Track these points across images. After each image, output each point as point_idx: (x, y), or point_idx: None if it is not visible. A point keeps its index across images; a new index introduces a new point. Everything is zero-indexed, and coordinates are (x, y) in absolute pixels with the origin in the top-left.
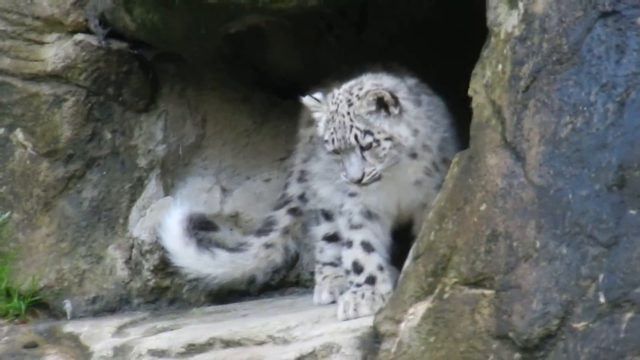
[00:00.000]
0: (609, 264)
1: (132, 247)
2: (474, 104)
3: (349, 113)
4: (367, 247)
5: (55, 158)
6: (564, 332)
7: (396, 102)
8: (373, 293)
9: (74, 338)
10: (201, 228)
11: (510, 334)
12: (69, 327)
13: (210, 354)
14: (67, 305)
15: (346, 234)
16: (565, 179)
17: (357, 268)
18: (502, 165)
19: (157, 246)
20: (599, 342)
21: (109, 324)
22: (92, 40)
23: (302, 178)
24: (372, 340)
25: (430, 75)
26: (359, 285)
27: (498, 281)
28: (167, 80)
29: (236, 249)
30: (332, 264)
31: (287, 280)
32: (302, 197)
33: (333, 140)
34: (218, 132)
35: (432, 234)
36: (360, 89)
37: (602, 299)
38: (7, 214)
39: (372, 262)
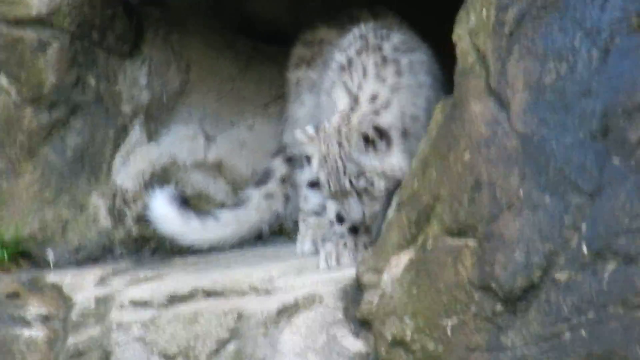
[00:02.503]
0: (592, 213)
1: (115, 195)
2: (457, 50)
3: (339, 156)
4: None
5: (39, 104)
6: (547, 283)
7: (381, 135)
8: (355, 243)
9: (56, 288)
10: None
11: (493, 285)
12: (52, 277)
13: (192, 304)
14: (50, 255)
15: None
16: (549, 127)
17: (341, 217)
18: (486, 112)
19: (141, 195)
20: (581, 293)
21: (92, 274)
22: None
23: (294, 127)
24: (355, 291)
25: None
26: (342, 236)
27: (481, 231)
28: (151, 25)
29: (237, 204)
30: (316, 213)
31: (270, 229)
32: (294, 145)
33: (329, 184)
34: (202, 78)
35: (415, 183)
36: (348, 127)
37: (585, 249)
38: None
39: None
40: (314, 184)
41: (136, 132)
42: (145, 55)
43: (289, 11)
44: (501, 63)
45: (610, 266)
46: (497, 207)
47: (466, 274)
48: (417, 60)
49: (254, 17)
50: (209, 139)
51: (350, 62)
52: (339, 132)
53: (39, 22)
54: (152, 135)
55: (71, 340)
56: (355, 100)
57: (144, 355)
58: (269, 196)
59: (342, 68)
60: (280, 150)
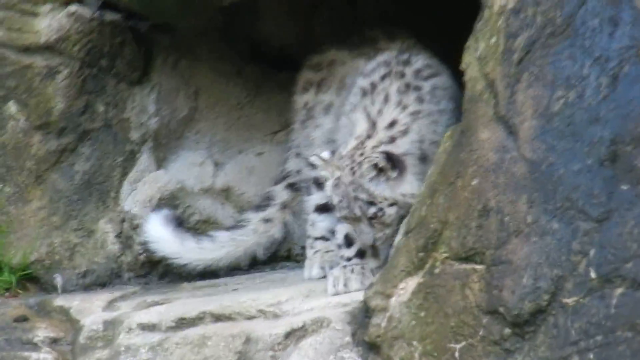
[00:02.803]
0: (600, 239)
1: (123, 220)
2: (466, 77)
3: (352, 182)
4: None
5: (47, 131)
6: (555, 308)
7: (394, 165)
8: (363, 267)
9: (64, 312)
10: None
11: (501, 309)
12: (60, 301)
13: (201, 328)
14: (58, 279)
15: None
16: (557, 154)
17: (349, 241)
18: (495, 139)
19: None
20: (589, 317)
21: (100, 298)
22: (86, 11)
23: (300, 154)
24: (363, 315)
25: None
26: (349, 259)
27: (489, 256)
28: (161, 52)
29: (235, 226)
30: (324, 238)
31: (278, 254)
32: (300, 172)
33: (341, 208)
34: (211, 105)
35: (423, 209)
36: (362, 154)
37: (593, 274)
38: None
39: None
40: (322, 209)
41: (144, 159)
42: (154, 82)
43: (298, 37)
44: (510, 90)
45: (618, 291)
46: (505, 233)
47: (474, 298)
48: (440, 85)
49: (263, 44)
50: (217, 165)
51: (373, 87)
52: (352, 158)
53: (48, 49)
54: (160, 162)
55: None
56: (373, 126)
57: None
58: (267, 221)
59: (364, 92)
60: (284, 177)
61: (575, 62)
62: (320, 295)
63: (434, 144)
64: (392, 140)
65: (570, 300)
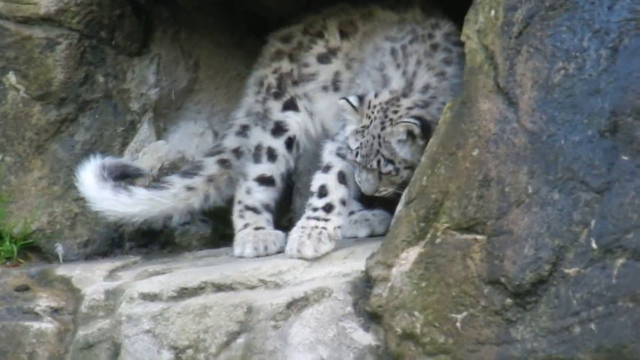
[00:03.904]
0: (601, 210)
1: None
2: (466, 49)
3: (379, 136)
4: (342, 177)
5: (47, 101)
6: (556, 278)
7: (424, 134)
8: (320, 232)
9: (65, 281)
10: (121, 177)
11: (502, 279)
12: (61, 271)
13: (202, 297)
14: (59, 249)
15: (328, 158)
16: (557, 125)
17: (322, 192)
18: (495, 110)
19: None
20: (590, 288)
21: (101, 268)
22: None
23: (241, 132)
24: (364, 285)
25: None
26: (315, 209)
27: (490, 226)
28: (160, 24)
29: (156, 186)
30: (255, 210)
31: (279, 224)
32: (236, 151)
33: (357, 154)
34: (211, 77)
35: (424, 179)
36: (396, 112)
37: (594, 245)
38: None
39: (339, 192)
40: (265, 181)
41: (145, 129)
42: (154, 53)
43: (298, 9)
44: (510, 62)
45: (620, 261)
46: (506, 203)
47: (475, 268)
48: None
49: (263, 16)
50: (217, 136)
51: (403, 49)
52: (385, 112)
53: (48, 20)
54: (160, 132)
55: (81, 332)
56: (410, 86)
57: (154, 348)
58: (190, 189)
59: (394, 52)
60: (218, 151)
61: (575, 34)
62: (322, 265)
63: None
64: (425, 105)
65: (571, 271)
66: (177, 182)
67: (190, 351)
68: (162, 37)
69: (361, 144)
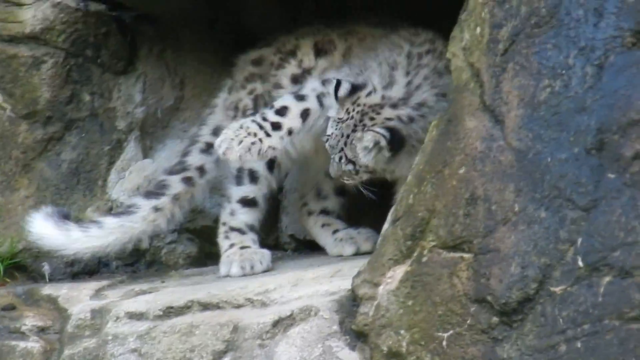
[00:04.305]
0: (588, 228)
1: (110, 209)
2: (452, 67)
3: (347, 136)
4: (305, 114)
5: (34, 120)
6: (542, 296)
7: (393, 147)
8: (253, 143)
9: (52, 300)
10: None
11: (489, 298)
12: (47, 290)
13: (189, 316)
14: (46, 268)
15: (306, 91)
16: (544, 142)
17: (281, 111)
18: (481, 128)
19: None
20: (577, 306)
21: (87, 287)
22: (70, 2)
23: (206, 150)
24: (351, 304)
25: None
26: (264, 119)
27: (477, 245)
28: (146, 42)
29: (124, 212)
30: (240, 231)
31: (265, 243)
32: (200, 169)
33: (327, 140)
34: (197, 95)
35: (410, 197)
36: (372, 119)
37: (580, 263)
38: None
39: (295, 122)
40: (247, 203)
41: (131, 148)
42: (140, 71)
43: (284, 27)
44: (495, 80)
45: (606, 279)
46: (493, 222)
47: (462, 287)
48: None
49: (249, 34)
50: None
51: (419, 57)
52: (362, 115)
53: (33, 39)
54: (147, 151)
55: (67, 352)
56: (405, 99)
57: None
58: (157, 210)
59: (410, 56)
60: (182, 169)
61: (561, 51)
62: (309, 284)
63: None
64: (410, 121)
65: (558, 289)
66: (144, 204)
67: None
68: (148, 55)
69: (332, 134)
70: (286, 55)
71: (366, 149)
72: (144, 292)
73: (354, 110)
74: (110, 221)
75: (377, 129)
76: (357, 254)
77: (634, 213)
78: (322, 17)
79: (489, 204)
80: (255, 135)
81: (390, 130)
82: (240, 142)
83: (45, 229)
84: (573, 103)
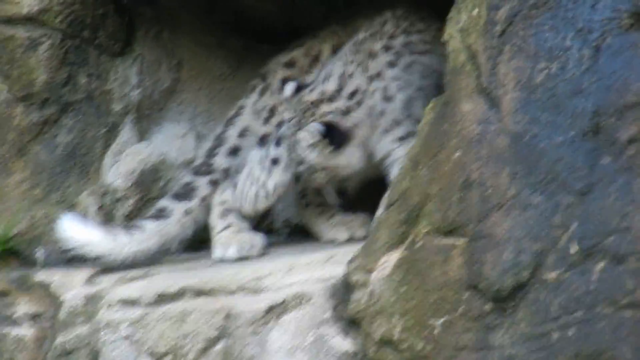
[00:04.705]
0: (582, 213)
1: (105, 193)
2: (449, 49)
3: (291, 136)
4: None
5: (30, 102)
6: (536, 283)
7: (332, 140)
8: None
9: (45, 287)
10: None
11: (482, 285)
12: (41, 276)
13: (181, 303)
14: (39, 253)
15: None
16: (540, 126)
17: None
18: (477, 111)
19: (130, 193)
20: (570, 293)
21: (81, 273)
22: None
23: (232, 152)
24: (344, 290)
25: None
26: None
27: (470, 230)
28: (143, 24)
29: (159, 215)
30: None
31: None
32: (226, 172)
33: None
34: (193, 77)
35: (405, 182)
36: (312, 115)
37: (574, 249)
38: None
39: None
40: None
41: (127, 131)
42: (137, 53)
43: (281, 10)
44: (492, 62)
45: (600, 266)
46: (487, 207)
47: (455, 273)
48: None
49: (246, 16)
50: (199, 137)
51: (361, 43)
52: (304, 112)
53: (30, 20)
54: (143, 134)
55: (59, 339)
56: (339, 90)
57: (132, 354)
58: (188, 212)
59: (353, 45)
60: (209, 172)
61: (558, 33)
62: (301, 271)
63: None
64: (347, 111)
65: (551, 276)
66: (176, 207)
67: (168, 357)
68: (145, 37)
69: (285, 136)
70: (312, 60)
71: (306, 147)
72: (136, 278)
73: (298, 108)
74: (149, 225)
75: (312, 125)
76: (351, 239)
77: (629, 198)
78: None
79: (484, 189)
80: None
81: (327, 124)
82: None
83: (91, 235)
84: (569, 85)
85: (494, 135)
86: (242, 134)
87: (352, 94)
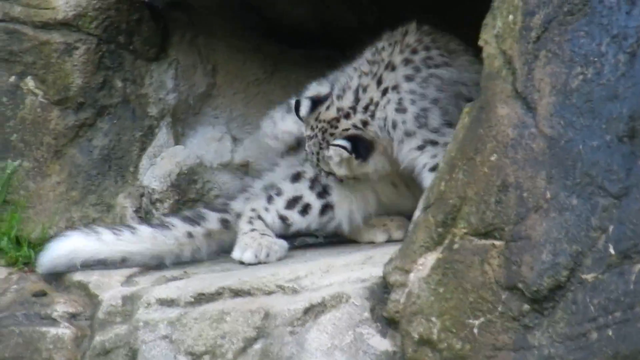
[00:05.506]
0: (619, 215)
1: (142, 195)
2: (484, 54)
3: (317, 153)
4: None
5: (65, 106)
6: (573, 284)
7: (358, 154)
8: (260, 239)
9: (83, 287)
10: None
11: (520, 285)
12: (78, 276)
13: (219, 303)
14: None
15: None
16: (576, 130)
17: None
18: (513, 115)
19: (167, 195)
20: (608, 294)
21: (118, 273)
22: None
23: (269, 209)
24: (382, 291)
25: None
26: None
27: (508, 232)
28: (178, 29)
29: (160, 224)
30: (265, 224)
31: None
32: (239, 216)
33: (306, 157)
34: (229, 82)
35: (442, 184)
36: (332, 134)
37: (611, 250)
38: (17, 162)
39: None
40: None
41: (163, 134)
42: (172, 58)
43: (315, 15)
44: (528, 67)
45: (637, 267)
46: (524, 209)
47: (493, 274)
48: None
49: (281, 21)
50: (235, 140)
51: (378, 52)
52: (324, 132)
53: (66, 25)
54: (178, 137)
55: (98, 338)
56: (355, 106)
57: (171, 354)
58: (190, 236)
59: (366, 58)
60: (223, 210)
61: (593, 39)
62: (340, 270)
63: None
64: (364, 124)
65: (589, 276)
66: (179, 225)
67: (207, 357)
68: (180, 42)
69: (307, 152)
70: None
71: (336, 164)
72: (175, 279)
73: (317, 127)
74: (144, 229)
75: (338, 142)
76: (389, 241)
77: None
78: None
79: (521, 191)
80: (253, 239)
81: (350, 139)
82: (253, 239)
83: (72, 241)
84: (605, 91)
85: (530, 139)
86: (266, 188)
87: (366, 107)
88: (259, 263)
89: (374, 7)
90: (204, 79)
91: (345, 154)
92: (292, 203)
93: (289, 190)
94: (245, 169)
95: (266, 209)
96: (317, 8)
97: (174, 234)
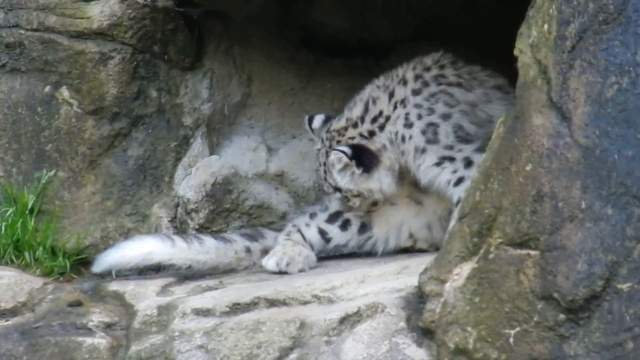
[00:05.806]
0: None
1: (177, 205)
2: (519, 64)
3: (324, 164)
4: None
5: (100, 116)
6: (609, 293)
7: (359, 161)
8: (292, 250)
9: (118, 297)
10: None
11: (555, 295)
12: (114, 286)
13: (255, 313)
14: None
15: None
16: (611, 140)
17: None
18: (548, 125)
19: (203, 205)
20: None
21: (154, 283)
22: None
23: (309, 225)
24: (417, 300)
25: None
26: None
27: (543, 242)
28: (213, 39)
29: (222, 238)
30: (303, 237)
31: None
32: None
33: (317, 173)
34: (264, 91)
35: (477, 194)
36: (339, 142)
37: None
38: (52, 172)
39: None
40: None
41: (198, 144)
42: (207, 68)
43: (352, 25)
44: (563, 77)
45: None
46: (559, 218)
47: (528, 284)
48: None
49: (317, 31)
50: (270, 150)
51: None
52: (332, 140)
53: (100, 35)
54: (213, 147)
55: (134, 348)
56: (363, 117)
57: None
58: (248, 251)
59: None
60: (281, 229)
61: (628, 49)
62: (375, 280)
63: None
64: (371, 135)
65: (624, 286)
66: (239, 241)
67: None
68: (215, 52)
69: (317, 167)
70: None
71: (338, 172)
72: (210, 289)
73: (326, 138)
74: (210, 240)
75: (337, 148)
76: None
77: None
78: (388, 14)
79: (556, 201)
80: (284, 253)
81: (354, 147)
82: (284, 253)
83: (150, 244)
84: None
85: (565, 149)
86: (330, 218)
87: (375, 119)
88: (280, 272)
89: (410, 18)
90: (239, 88)
91: (345, 158)
92: (333, 217)
93: (334, 206)
94: (280, 179)
95: (307, 225)
96: (355, 19)
97: (234, 248)
